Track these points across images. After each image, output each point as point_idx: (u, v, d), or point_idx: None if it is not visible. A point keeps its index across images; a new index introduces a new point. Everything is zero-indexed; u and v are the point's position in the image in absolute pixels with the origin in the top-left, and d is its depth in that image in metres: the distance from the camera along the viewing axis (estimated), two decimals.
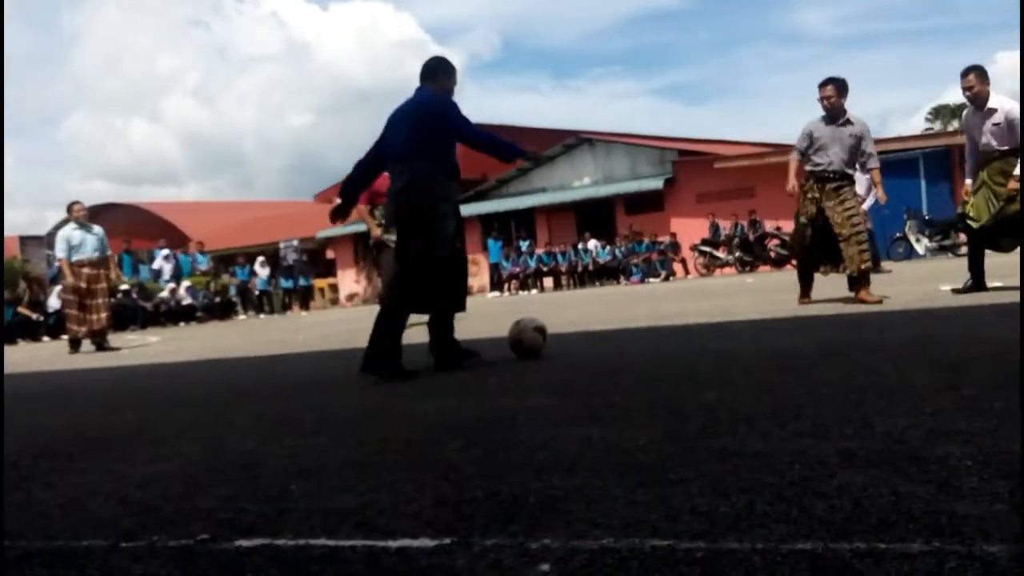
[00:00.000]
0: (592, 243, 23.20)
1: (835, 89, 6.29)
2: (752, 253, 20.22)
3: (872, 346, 3.83)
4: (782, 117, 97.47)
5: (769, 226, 20.17)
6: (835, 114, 6.33)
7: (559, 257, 23.31)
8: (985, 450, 1.80)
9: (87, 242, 9.65)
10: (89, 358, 8.78)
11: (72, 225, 9.74)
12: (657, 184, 23.96)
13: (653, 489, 1.75)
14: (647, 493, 1.72)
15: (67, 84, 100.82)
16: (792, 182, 6.47)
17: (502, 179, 28.18)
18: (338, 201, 4.71)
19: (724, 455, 1.97)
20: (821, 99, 6.37)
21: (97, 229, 9.89)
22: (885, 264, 12.75)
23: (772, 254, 19.58)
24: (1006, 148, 6.16)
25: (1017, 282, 6.13)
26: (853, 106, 6.45)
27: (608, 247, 22.90)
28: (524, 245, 23.75)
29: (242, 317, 21.26)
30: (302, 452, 2.48)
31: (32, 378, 6.96)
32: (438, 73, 4.38)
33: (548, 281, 23.50)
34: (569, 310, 9.92)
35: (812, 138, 6.36)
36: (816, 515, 1.49)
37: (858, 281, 6.17)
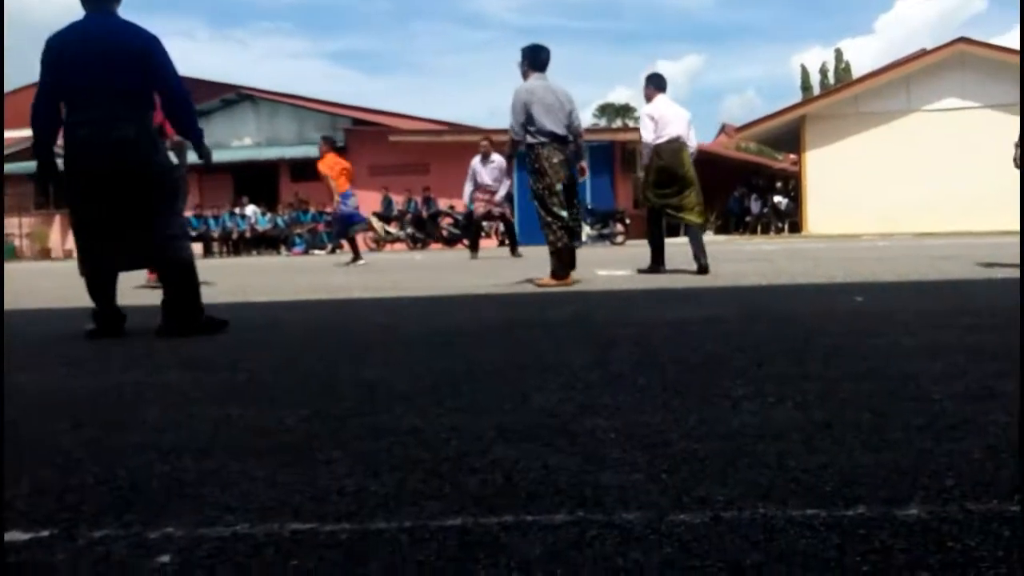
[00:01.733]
0: (250, 209, 22.32)
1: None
2: (424, 230, 20.87)
3: (534, 324, 4.10)
4: (459, 98, 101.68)
5: (443, 204, 20.96)
6: None
7: (211, 222, 22.08)
8: (629, 423, 1.98)
9: None
10: None
11: None
12: None
13: (297, 470, 1.69)
14: (290, 474, 1.66)
15: None
16: None
17: None
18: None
19: (378, 433, 1.96)
20: None
21: None
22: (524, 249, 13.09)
23: (445, 232, 20.38)
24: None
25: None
26: None
27: (269, 214, 22.19)
28: None
29: None
30: None
31: None
32: None
33: (197, 247, 22.16)
34: (221, 279, 9.41)
35: None
36: (468, 491, 1.52)
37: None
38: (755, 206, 25.43)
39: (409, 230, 20.94)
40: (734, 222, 25.88)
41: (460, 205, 20.30)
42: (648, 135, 7.21)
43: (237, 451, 1.86)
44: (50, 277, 10.68)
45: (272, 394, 2.50)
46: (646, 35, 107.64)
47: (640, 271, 7.41)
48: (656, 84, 7.43)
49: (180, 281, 3.96)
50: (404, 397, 2.37)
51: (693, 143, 7.47)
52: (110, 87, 3.84)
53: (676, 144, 7.19)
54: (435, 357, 3.13)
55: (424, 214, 20.93)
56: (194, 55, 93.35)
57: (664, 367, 2.72)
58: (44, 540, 1.37)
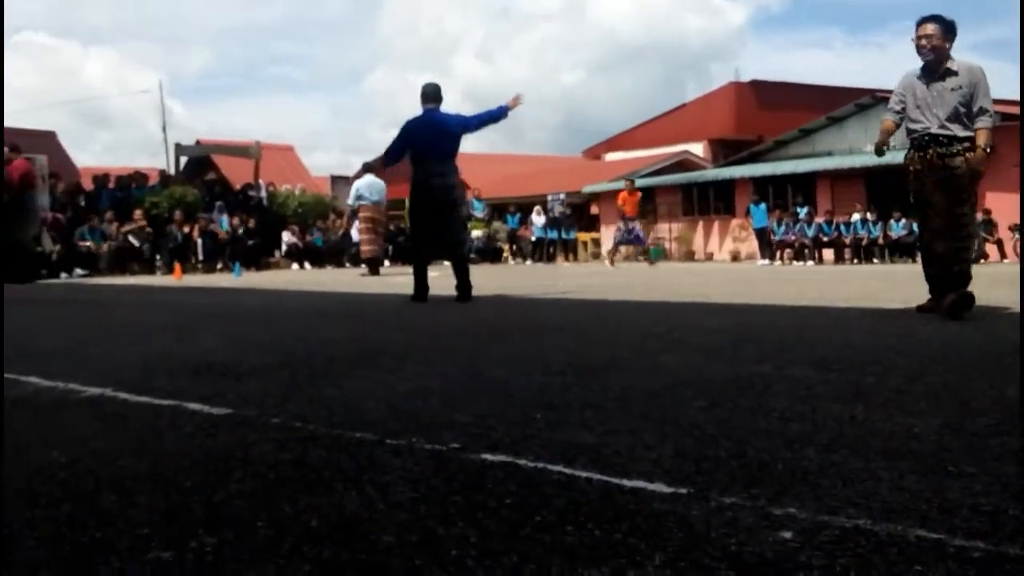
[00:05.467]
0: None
1: (938, 28, 5.05)
2: None
3: None
4: None
5: None
6: (937, 63, 5.10)
7: (842, 228, 21.81)
8: None
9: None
10: (377, 284, 10.41)
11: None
12: None
13: (925, 479, 1.63)
14: (918, 481, 1.61)
15: (372, 45, 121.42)
16: (879, 139, 5.31)
17: (780, 141, 26.87)
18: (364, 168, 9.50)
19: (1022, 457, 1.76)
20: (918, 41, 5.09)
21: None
22: None
23: None
24: None
25: None
26: None
27: (904, 220, 21.03)
28: (802, 212, 22.49)
29: (511, 262, 23.19)
30: (549, 388, 2.71)
31: (332, 297, 8.31)
32: (441, 96, 6.88)
33: (828, 253, 22.13)
34: (848, 285, 9.30)
35: (905, 96, 5.20)
36: None
37: (949, 283, 5.01)
38: None
39: None
40: None
41: None
42: None
43: (861, 450, 1.86)
44: (693, 274, 11.81)
45: (900, 400, 2.41)
46: None
47: None
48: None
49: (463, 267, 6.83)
50: None
51: None
52: (444, 153, 6.71)
53: None
54: None
55: None
56: (830, 63, 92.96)
57: None
58: (682, 496, 1.56)
